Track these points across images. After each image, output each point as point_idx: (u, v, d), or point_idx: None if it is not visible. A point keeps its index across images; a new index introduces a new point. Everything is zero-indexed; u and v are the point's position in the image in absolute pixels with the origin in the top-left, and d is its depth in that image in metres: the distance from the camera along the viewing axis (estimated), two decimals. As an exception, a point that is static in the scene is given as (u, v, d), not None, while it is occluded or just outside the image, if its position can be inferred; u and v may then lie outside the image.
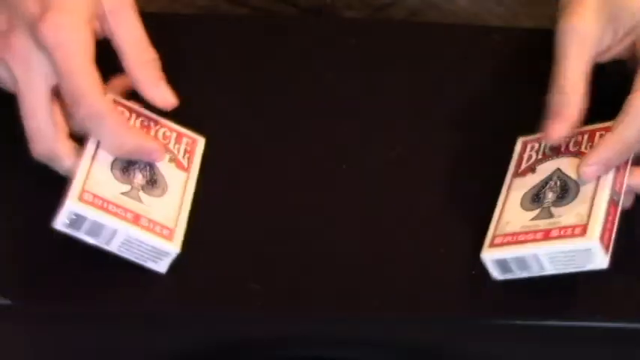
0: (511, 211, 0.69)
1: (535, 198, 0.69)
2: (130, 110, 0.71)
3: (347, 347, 0.68)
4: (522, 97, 0.81)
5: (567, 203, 0.68)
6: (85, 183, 0.66)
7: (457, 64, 0.84)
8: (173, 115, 0.76)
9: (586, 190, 0.68)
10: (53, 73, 0.68)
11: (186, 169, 0.71)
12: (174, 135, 0.72)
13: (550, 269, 0.66)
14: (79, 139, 0.69)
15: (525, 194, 0.70)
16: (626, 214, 0.70)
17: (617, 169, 0.69)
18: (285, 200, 0.72)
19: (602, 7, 0.74)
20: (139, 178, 0.68)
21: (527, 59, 0.85)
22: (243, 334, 0.67)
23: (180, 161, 0.71)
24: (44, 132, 0.68)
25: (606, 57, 0.75)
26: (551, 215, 0.68)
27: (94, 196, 0.66)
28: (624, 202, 0.69)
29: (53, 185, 0.69)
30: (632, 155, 0.70)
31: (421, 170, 0.75)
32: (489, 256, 0.67)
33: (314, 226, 0.71)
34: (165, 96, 0.71)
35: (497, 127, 0.77)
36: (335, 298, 0.67)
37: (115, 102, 0.71)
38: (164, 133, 0.72)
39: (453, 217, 0.72)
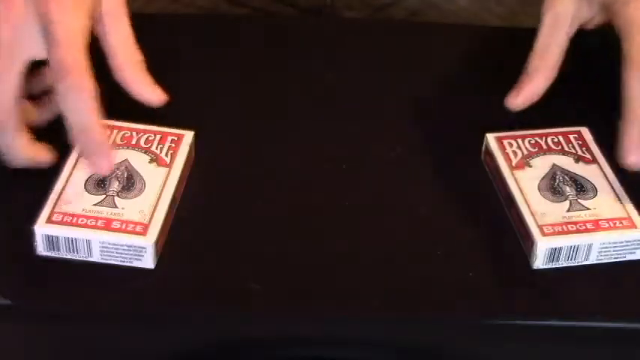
0: (538, 202, 0.70)
1: (554, 191, 0.71)
2: (112, 128, 0.73)
3: (347, 347, 0.68)
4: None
5: (592, 198, 0.70)
6: (55, 205, 0.68)
7: (457, 64, 0.84)
8: (172, 115, 0.76)
9: (604, 185, 0.71)
10: (37, 46, 0.69)
11: (168, 165, 0.71)
12: (157, 137, 0.73)
13: (594, 259, 0.68)
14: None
15: (540, 187, 0.71)
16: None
17: None
18: (285, 200, 0.72)
19: None
20: (114, 185, 0.69)
21: (526, 59, 0.85)
22: (243, 334, 0.67)
23: (163, 158, 0.72)
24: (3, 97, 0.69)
25: (590, 26, 0.78)
26: (584, 208, 0.69)
27: (64, 214, 0.67)
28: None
29: (53, 185, 0.69)
30: None
31: (421, 170, 0.75)
32: (545, 244, 0.67)
33: (314, 226, 0.71)
34: (156, 93, 0.74)
35: (497, 127, 0.77)
36: (335, 298, 0.67)
37: None
38: (147, 139, 0.73)
39: (453, 217, 0.72)
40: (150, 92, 0.74)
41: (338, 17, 0.97)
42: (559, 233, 0.68)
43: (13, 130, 0.69)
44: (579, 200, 0.70)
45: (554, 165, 0.73)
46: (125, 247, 0.66)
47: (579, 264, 0.68)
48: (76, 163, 0.71)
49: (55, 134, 0.71)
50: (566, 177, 0.72)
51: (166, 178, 0.70)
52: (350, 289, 0.67)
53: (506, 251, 0.70)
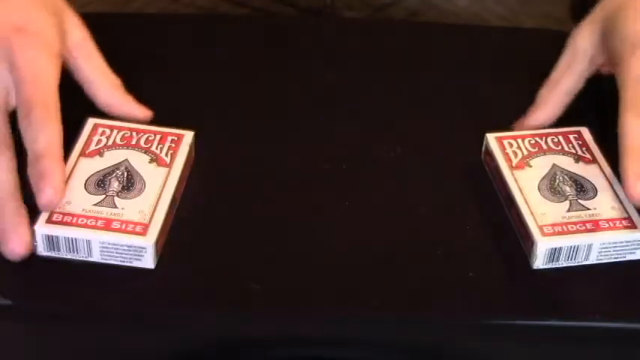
0: (538, 202, 0.70)
1: (553, 191, 0.70)
2: (112, 128, 0.73)
3: (347, 347, 0.68)
4: (523, 97, 0.81)
5: (591, 198, 0.70)
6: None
7: (457, 64, 0.84)
8: (172, 115, 0.76)
9: (604, 185, 0.71)
10: (10, 91, 0.69)
11: (168, 165, 0.71)
12: (157, 137, 0.73)
13: (593, 259, 0.68)
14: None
15: (540, 187, 0.71)
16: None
17: None
18: (285, 200, 0.72)
19: (601, 25, 0.76)
20: (114, 185, 0.69)
21: (527, 59, 0.85)
22: (243, 334, 0.67)
23: (163, 158, 0.72)
24: None
25: (605, 71, 0.77)
26: (584, 208, 0.69)
27: (64, 215, 0.67)
28: None
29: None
30: None
31: (421, 170, 0.75)
32: (545, 244, 0.67)
33: (314, 226, 0.71)
34: (142, 110, 0.75)
35: (497, 127, 0.77)
36: (335, 298, 0.67)
37: (97, 125, 0.73)
38: (147, 139, 0.73)
39: (453, 217, 0.72)
40: (138, 110, 0.75)
41: (338, 17, 0.97)
42: (559, 233, 0.68)
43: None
44: (579, 200, 0.70)
45: (554, 165, 0.73)
46: (125, 247, 0.66)
47: (579, 264, 0.68)
48: (75, 163, 0.71)
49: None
50: (566, 177, 0.72)
51: (166, 178, 0.70)
52: (350, 289, 0.67)
53: (506, 251, 0.70)
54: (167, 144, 0.73)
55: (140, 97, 0.78)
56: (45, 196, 0.66)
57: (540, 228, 0.68)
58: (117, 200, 0.68)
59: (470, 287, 0.68)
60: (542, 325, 0.66)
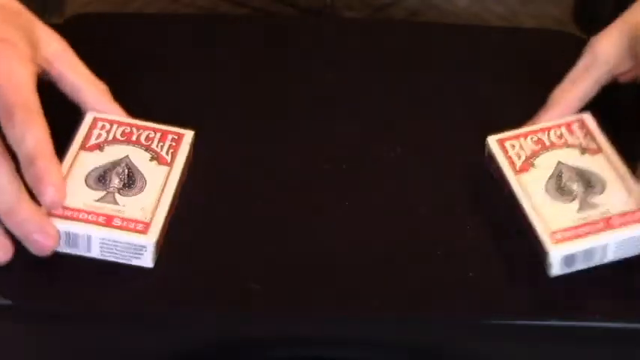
0: (546, 206, 0.69)
1: (561, 191, 0.70)
2: (111, 122, 0.73)
3: (347, 347, 0.68)
4: (523, 97, 0.81)
5: (600, 192, 0.69)
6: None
7: (457, 64, 0.84)
8: (172, 115, 0.76)
9: (612, 177, 0.70)
10: None
11: (169, 164, 0.71)
12: (158, 135, 0.73)
13: (611, 257, 0.67)
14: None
15: (547, 188, 0.70)
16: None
17: None
18: (285, 200, 0.72)
19: (628, 34, 0.75)
20: (115, 182, 0.69)
21: (527, 59, 0.85)
22: (243, 334, 0.67)
23: (164, 157, 0.72)
24: None
25: (627, 78, 0.77)
26: (595, 206, 0.68)
27: (65, 209, 0.67)
28: None
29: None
30: None
31: (421, 170, 0.75)
32: (558, 252, 0.66)
33: (314, 226, 0.71)
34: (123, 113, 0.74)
35: (497, 127, 0.77)
36: (335, 298, 0.67)
37: (96, 119, 0.73)
38: (147, 136, 0.73)
39: (453, 217, 0.72)
40: (124, 114, 0.74)
41: (338, 17, 0.97)
42: (572, 238, 0.67)
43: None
44: (588, 198, 0.69)
45: (559, 163, 0.72)
46: (125, 245, 0.66)
47: (597, 264, 0.67)
48: (75, 157, 0.70)
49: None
50: (572, 174, 0.71)
51: (167, 177, 0.70)
52: (350, 289, 0.67)
53: (507, 251, 0.70)
54: (167, 142, 0.73)
55: (140, 96, 0.78)
56: (48, 196, 0.65)
57: (552, 235, 0.67)
58: (118, 197, 0.68)
59: (470, 287, 0.68)
60: (542, 325, 0.66)
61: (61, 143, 0.70)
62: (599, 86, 0.76)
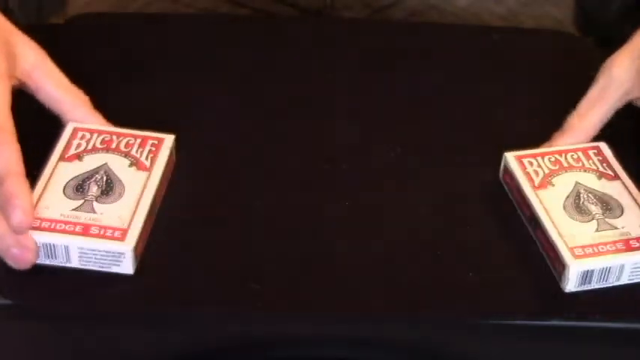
0: (565, 223, 0.69)
1: (579, 210, 0.70)
2: (92, 132, 0.73)
3: (347, 347, 0.68)
4: (523, 97, 0.81)
5: (618, 216, 0.69)
6: (34, 214, 0.67)
7: (457, 64, 0.84)
8: (172, 115, 0.76)
9: (630, 202, 0.70)
10: None
11: (148, 169, 0.71)
12: (137, 141, 0.73)
13: (625, 279, 0.67)
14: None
15: (565, 206, 0.70)
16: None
17: None
18: (285, 200, 0.72)
19: (637, 57, 0.74)
20: (93, 190, 0.69)
21: (527, 59, 0.85)
22: (243, 334, 0.67)
23: (143, 162, 0.71)
24: None
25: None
26: (613, 227, 0.69)
27: (42, 220, 0.67)
28: None
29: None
30: None
31: (421, 170, 0.75)
32: (578, 267, 0.66)
33: (314, 226, 0.71)
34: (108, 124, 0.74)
35: (497, 127, 0.77)
36: (335, 298, 0.67)
37: (76, 129, 0.73)
38: (127, 142, 0.72)
39: (453, 217, 0.72)
40: (107, 124, 0.74)
41: (338, 17, 0.97)
42: (590, 255, 0.67)
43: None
44: (606, 219, 0.69)
45: (577, 183, 0.72)
46: (103, 253, 0.66)
47: (611, 285, 0.67)
48: (54, 168, 0.70)
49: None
50: (590, 195, 0.71)
51: (146, 182, 0.70)
52: (350, 289, 0.67)
53: (507, 251, 0.70)
54: (147, 148, 0.72)
55: (140, 96, 0.78)
56: (15, 218, 0.65)
57: (571, 250, 0.67)
58: (96, 205, 0.68)
59: (470, 287, 0.67)
60: (543, 325, 0.66)
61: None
62: (614, 110, 0.75)
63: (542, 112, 0.78)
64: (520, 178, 0.72)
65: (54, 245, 0.66)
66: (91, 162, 0.71)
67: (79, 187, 0.69)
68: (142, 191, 0.69)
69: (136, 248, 0.66)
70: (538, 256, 0.69)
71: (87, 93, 0.73)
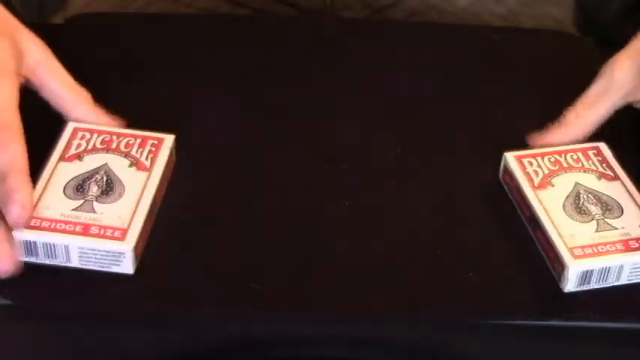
0: (565, 223, 0.69)
1: (579, 210, 0.70)
2: (92, 132, 0.73)
3: (347, 347, 0.68)
4: (523, 97, 0.81)
5: (618, 216, 0.69)
6: (33, 211, 0.67)
7: (457, 64, 0.84)
8: (172, 115, 0.76)
9: (629, 203, 0.70)
10: None
11: (148, 169, 0.71)
12: (137, 141, 0.73)
13: (624, 280, 0.67)
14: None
15: (565, 207, 0.70)
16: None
17: None
18: (285, 200, 0.72)
19: (638, 60, 0.74)
20: (93, 190, 0.69)
21: (527, 59, 0.85)
22: (243, 334, 0.67)
23: (143, 162, 0.71)
24: None
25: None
26: (613, 228, 0.69)
27: (42, 220, 0.67)
28: None
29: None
30: None
31: (421, 170, 0.75)
32: (577, 267, 0.66)
33: (314, 226, 0.71)
34: (116, 119, 0.74)
35: (497, 127, 0.77)
36: (335, 298, 0.67)
37: (77, 129, 0.73)
38: (127, 143, 0.72)
39: (453, 217, 0.72)
40: (113, 121, 0.74)
41: (338, 17, 0.97)
42: (590, 255, 0.67)
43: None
44: (606, 219, 0.69)
45: (576, 184, 0.72)
46: (103, 253, 0.66)
47: (610, 285, 0.67)
48: (55, 168, 0.70)
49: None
50: (590, 196, 0.71)
51: (146, 182, 0.70)
52: (350, 289, 0.67)
53: (506, 251, 0.70)
54: (147, 148, 0.72)
55: (140, 96, 0.78)
56: (13, 213, 0.65)
57: (571, 250, 0.67)
58: (96, 205, 0.68)
59: (470, 287, 0.67)
60: (542, 325, 0.66)
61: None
62: (614, 111, 0.75)
63: (542, 112, 0.78)
64: (520, 178, 0.72)
65: (54, 245, 0.66)
66: (91, 162, 0.71)
67: (79, 187, 0.69)
68: (142, 191, 0.69)
69: (136, 248, 0.66)
70: (538, 256, 0.69)
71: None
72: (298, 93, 0.81)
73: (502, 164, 0.74)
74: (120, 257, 0.66)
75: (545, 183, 0.72)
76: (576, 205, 0.70)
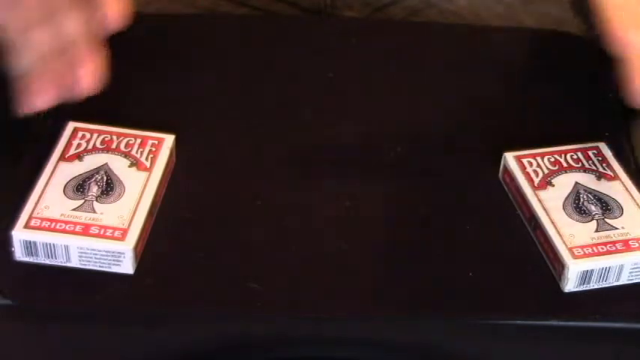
0: (565, 223, 0.69)
1: (579, 210, 0.70)
2: (92, 131, 0.73)
3: (347, 347, 0.68)
4: (523, 97, 0.81)
5: (618, 216, 0.69)
6: (33, 211, 0.67)
7: (457, 64, 0.84)
8: (172, 115, 0.76)
9: (630, 203, 0.70)
10: None
11: (148, 169, 0.71)
12: (138, 141, 0.73)
13: (624, 280, 0.67)
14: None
15: (565, 207, 0.70)
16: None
17: None
18: (285, 200, 0.72)
19: None
20: (93, 190, 0.69)
21: (527, 59, 0.85)
22: (243, 334, 0.67)
23: (143, 162, 0.71)
24: None
25: None
26: (612, 228, 0.69)
27: (42, 219, 0.67)
28: None
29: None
30: None
31: (421, 170, 0.75)
32: (577, 267, 0.66)
33: (314, 226, 0.71)
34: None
35: (497, 127, 0.77)
36: (335, 298, 0.67)
37: (77, 129, 0.73)
38: (127, 143, 0.73)
39: (453, 217, 0.72)
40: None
41: (338, 17, 0.97)
42: (590, 255, 0.67)
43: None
44: (606, 219, 0.69)
45: (576, 183, 0.72)
46: (103, 253, 0.66)
47: (610, 285, 0.68)
48: (55, 168, 0.70)
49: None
50: (590, 196, 0.71)
51: (146, 182, 0.70)
52: (350, 289, 0.67)
53: (507, 251, 0.70)
54: (147, 148, 0.72)
55: (140, 96, 0.78)
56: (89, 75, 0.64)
57: (570, 250, 0.67)
58: (96, 205, 0.68)
59: (470, 287, 0.68)
60: (543, 325, 0.66)
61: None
62: None
63: (542, 112, 0.78)
64: (520, 178, 0.72)
65: (54, 245, 0.66)
66: (91, 162, 0.71)
67: (79, 187, 0.69)
68: (142, 191, 0.69)
69: (136, 248, 0.66)
70: (538, 256, 0.69)
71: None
72: (298, 92, 0.81)
73: (502, 164, 0.74)
74: (120, 257, 0.66)
75: (545, 183, 0.72)
76: (576, 205, 0.70)
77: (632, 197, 0.71)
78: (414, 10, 0.98)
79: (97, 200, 0.68)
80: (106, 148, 0.72)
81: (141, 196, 0.69)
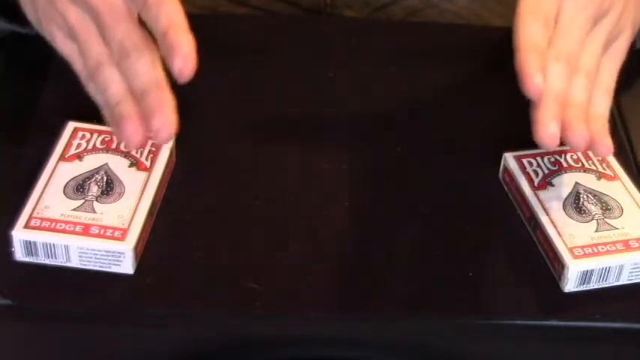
0: (565, 223, 0.69)
1: (579, 210, 0.70)
2: (92, 132, 0.73)
3: (347, 347, 0.68)
4: (523, 97, 0.81)
5: (618, 216, 0.69)
6: (33, 211, 0.67)
7: (457, 64, 0.84)
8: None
9: (629, 203, 0.70)
10: None
11: (149, 169, 0.71)
12: None
13: (624, 280, 0.68)
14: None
15: (565, 207, 0.70)
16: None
17: None
18: (285, 200, 0.72)
19: None
20: (93, 190, 0.69)
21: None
22: (243, 334, 0.67)
23: (143, 162, 0.71)
24: None
25: None
26: (612, 228, 0.69)
27: (42, 219, 0.67)
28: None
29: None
30: None
31: (421, 170, 0.75)
32: (577, 267, 0.66)
33: (314, 226, 0.71)
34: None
35: (497, 127, 0.77)
36: (335, 298, 0.67)
37: (77, 129, 0.73)
38: None
39: (453, 217, 0.72)
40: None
41: (338, 17, 0.97)
42: (590, 255, 0.67)
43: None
44: (606, 219, 0.69)
45: (576, 184, 0.72)
46: (103, 253, 0.66)
47: (610, 285, 0.68)
48: (54, 168, 0.70)
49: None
50: (590, 196, 0.71)
51: (146, 182, 0.70)
52: (350, 289, 0.67)
53: (507, 251, 0.70)
54: (147, 148, 0.72)
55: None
56: (176, 65, 0.65)
57: (570, 250, 0.67)
58: (96, 205, 0.68)
59: (470, 287, 0.68)
60: (543, 325, 0.66)
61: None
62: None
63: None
64: (520, 178, 0.72)
65: (54, 245, 0.66)
66: (91, 162, 0.71)
67: (79, 187, 0.69)
68: (142, 191, 0.69)
69: (136, 248, 0.66)
70: (538, 256, 0.69)
71: (87, 93, 0.73)
72: (298, 92, 0.81)
73: (502, 164, 0.74)
74: (120, 257, 0.66)
75: (545, 183, 0.72)
76: (576, 205, 0.70)
77: (632, 197, 0.71)
78: (414, 10, 0.98)
79: (97, 200, 0.68)
80: (106, 148, 0.72)
81: (141, 196, 0.69)
